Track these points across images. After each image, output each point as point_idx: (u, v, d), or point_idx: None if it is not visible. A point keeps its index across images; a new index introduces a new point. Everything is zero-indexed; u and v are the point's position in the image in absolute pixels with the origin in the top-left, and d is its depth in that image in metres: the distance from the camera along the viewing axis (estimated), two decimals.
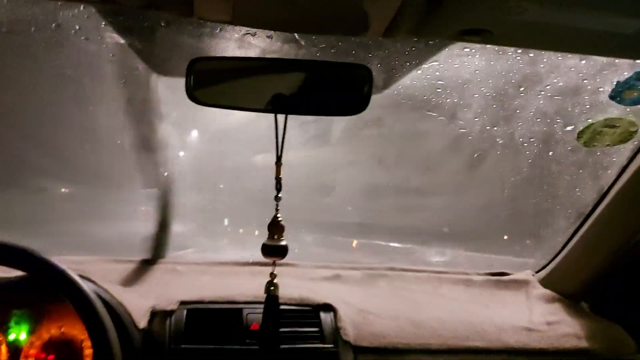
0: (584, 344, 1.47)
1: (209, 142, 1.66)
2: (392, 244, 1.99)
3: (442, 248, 1.99)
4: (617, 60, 1.19)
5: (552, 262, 1.74)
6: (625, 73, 1.17)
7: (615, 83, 1.20)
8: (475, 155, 1.73)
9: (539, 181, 1.82)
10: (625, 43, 0.94)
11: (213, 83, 1.11)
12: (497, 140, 1.68)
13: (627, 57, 1.01)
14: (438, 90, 1.46)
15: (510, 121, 1.61)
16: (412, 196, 1.89)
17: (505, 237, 2.00)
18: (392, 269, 1.79)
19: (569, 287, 1.69)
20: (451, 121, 1.61)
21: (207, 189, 1.82)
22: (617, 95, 1.22)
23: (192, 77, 1.05)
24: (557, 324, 1.53)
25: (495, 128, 1.62)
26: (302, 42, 1.21)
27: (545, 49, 1.00)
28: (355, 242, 1.97)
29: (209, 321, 1.37)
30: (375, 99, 1.06)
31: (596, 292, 1.66)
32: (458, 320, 1.50)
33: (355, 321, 1.43)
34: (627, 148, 1.38)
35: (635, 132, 1.31)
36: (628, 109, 1.27)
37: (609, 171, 1.47)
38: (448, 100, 1.53)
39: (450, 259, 2.00)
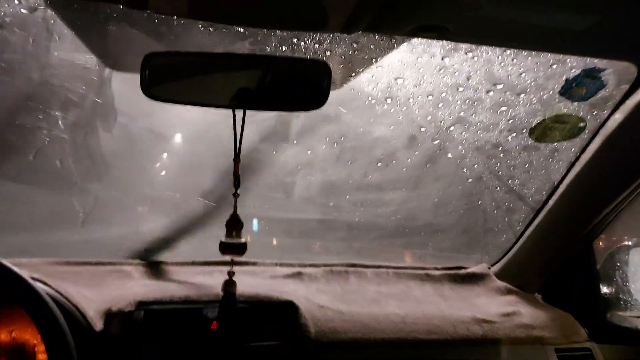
0: (538, 333, 1.52)
1: (163, 138, 1.63)
2: (351, 241, 2.00)
3: (401, 244, 2.02)
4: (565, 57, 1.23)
5: (507, 256, 1.79)
6: (573, 70, 1.22)
7: (564, 80, 1.24)
8: (431, 152, 1.76)
9: (493, 177, 1.87)
10: (575, 40, 0.98)
11: (169, 78, 1.08)
12: (453, 137, 1.71)
13: (577, 54, 1.05)
14: (396, 86, 1.48)
15: (466, 118, 1.64)
16: (370, 193, 1.91)
17: (462, 232, 2.04)
18: (352, 265, 1.80)
19: (523, 279, 1.74)
20: (408, 117, 1.63)
21: (163, 187, 1.79)
22: (567, 92, 1.26)
23: (147, 73, 1.03)
24: (512, 315, 1.57)
25: (450, 126, 1.65)
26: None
27: (499, 45, 1.03)
28: (316, 244, 1.97)
29: (168, 321, 1.34)
30: (334, 94, 1.06)
31: (548, 283, 1.71)
32: (417, 314, 1.52)
33: (316, 317, 1.43)
34: (576, 144, 1.43)
35: (584, 127, 1.36)
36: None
37: (559, 167, 1.52)
38: (405, 96, 1.55)
39: (409, 255, 2.03)
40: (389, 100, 1.56)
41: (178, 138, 1.71)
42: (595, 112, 1.34)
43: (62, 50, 1.29)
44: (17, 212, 1.83)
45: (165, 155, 1.69)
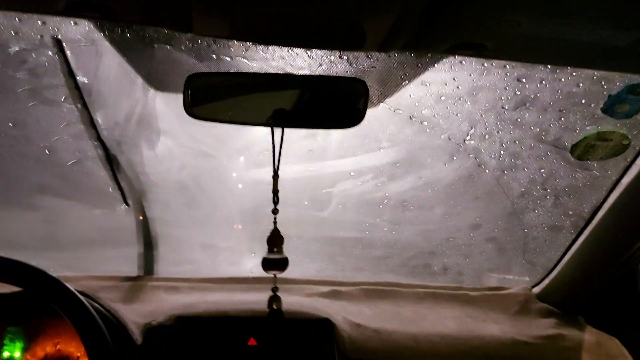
0: (580, 357, 1.47)
1: (203, 156, 1.67)
2: (390, 259, 1.99)
3: (439, 263, 1.99)
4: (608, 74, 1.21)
5: (548, 277, 1.75)
6: (618, 84, 1.19)
7: (607, 96, 1.22)
8: (470, 169, 1.74)
9: (536, 195, 1.84)
10: (617, 56, 0.96)
11: (210, 98, 1.12)
12: (495, 155, 1.69)
13: (619, 71, 1.03)
14: (436, 102, 1.48)
15: (507, 136, 1.62)
16: (409, 211, 1.90)
17: (502, 252, 2.01)
18: (390, 284, 1.79)
19: (566, 300, 1.69)
20: (449, 134, 1.62)
21: (204, 205, 1.82)
22: (609, 108, 1.24)
23: (189, 93, 1.07)
24: (554, 337, 1.53)
25: (493, 142, 1.64)
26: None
27: (539, 62, 1.02)
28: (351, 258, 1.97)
29: (206, 336, 1.36)
30: (371, 111, 1.07)
31: (592, 305, 1.66)
32: (456, 335, 1.49)
33: (352, 336, 1.43)
34: (622, 161, 1.39)
35: (628, 144, 1.33)
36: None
37: (604, 184, 1.49)
38: (446, 113, 1.54)
39: (449, 274, 2.00)
40: (426, 117, 1.56)
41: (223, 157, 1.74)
42: None
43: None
44: (64, 228, 1.90)
45: (209, 174, 1.73)
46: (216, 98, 1.12)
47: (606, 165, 1.49)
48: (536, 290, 1.79)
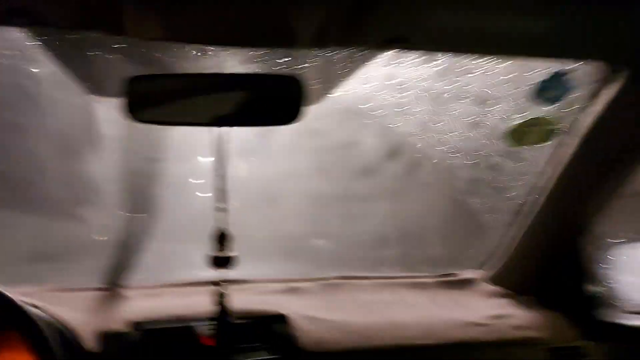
0: (528, 334, 1.54)
1: (149, 161, 1.66)
2: (345, 252, 2.02)
3: (392, 254, 2.04)
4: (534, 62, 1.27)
5: (497, 260, 1.81)
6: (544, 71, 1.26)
7: (533, 84, 1.28)
8: (416, 159, 1.79)
9: (481, 183, 1.91)
10: (536, 43, 1.02)
11: (151, 101, 1.12)
12: (436, 144, 1.75)
13: (540, 57, 1.09)
14: (373, 97, 1.52)
15: (447, 126, 1.68)
16: (357, 203, 1.93)
17: (452, 239, 2.07)
18: (345, 277, 1.82)
19: (514, 281, 1.76)
20: (388, 127, 1.67)
21: (154, 210, 1.81)
22: (537, 96, 1.30)
23: (129, 96, 1.07)
24: (503, 317, 1.59)
25: (432, 133, 1.69)
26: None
27: (463, 53, 1.07)
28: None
29: (161, 340, 1.36)
30: (311, 108, 1.10)
31: (540, 285, 1.73)
32: (409, 320, 1.54)
33: (308, 329, 1.45)
34: (557, 144, 1.46)
35: (557, 129, 1.40)
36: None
37: (544, 168, 1.55)
38: (383, 107, 1.58)
39: (401, 264, 2.05)
40: (368, 111, 1.59)
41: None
42: (570, 112, 1.38)
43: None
44: (18, 240, 1.85)
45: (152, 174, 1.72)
46: (156, 100, 1.13)
47: (543, 150, 1.55)
48: (486, 273, 1.85)
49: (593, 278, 1.66)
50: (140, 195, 1.65)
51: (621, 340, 1.54)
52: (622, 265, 1.68)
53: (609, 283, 1.67)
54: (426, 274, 1.88)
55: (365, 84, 1.50)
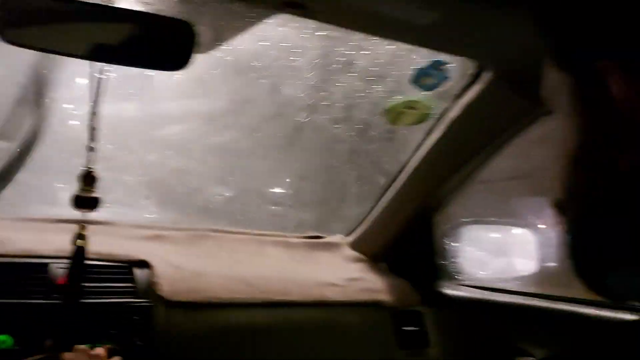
0: (376, 297, 1.69)
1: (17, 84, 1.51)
2: (217, 206, 2.03)
3: (264, 212, 2.09)
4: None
5: (360, 227, 1.94)
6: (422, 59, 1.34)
7: (414, 69, 1.37)
8: (294, 124, 1.83)
9: (358, 154, 2.01)
10: (421, 33, 1.09)
11: (27, 22, 1.03)
12: (320, 112, 1.80)
13: (423, 46, 1.16)
14: (265, 56, 1.52)
15: (333, 97, 1.74)
16: (236, 159, 1.94)
17: (323, 204, 2.16)
18: (214, 230, 1.84)
19: (372, 249, 1.89)
20: (275, 89, 1.68)
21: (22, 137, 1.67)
22: (416, 80, 1.39)
23: (3, 15, 0.97)
24: (356, 280, 1.72)
25: (317, 100, 1.74)
26: None
27: (355, 30, 1.10)
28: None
29: (12, 275, 1.28)
30: (200, 58, 1.08)
31: (394, 254, 1.88)
32: (271, 277, 1.60)
33: (171, 277, 1.45)
34: (424, 128, 1.58)
35: (430, 114, 1.52)
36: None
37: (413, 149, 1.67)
38: (274, 68, 1.59)
39: (272, 223, 2.11)
40: (255, 69, 1.59)
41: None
42: (442, 101, 1.49)
43: None
44: None
45: None
46: (33, 22, 1.04)
47: (412, 130, 1.67)
48: (349, 239, 1.97)
49: (440, 252, 1.84)
50: (10, 122, 1.51)
51: (454, 306, 1.74)
52: (464, 243, 1.88)
53: (452, 258, 1.86)
54: (294, 234, 1.96)
55: (260, 41, 1.49)
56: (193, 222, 1.81)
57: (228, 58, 1.54)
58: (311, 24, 1.32)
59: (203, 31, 1.27)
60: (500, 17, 1.00)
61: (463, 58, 1.31)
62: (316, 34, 1.39)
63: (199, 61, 1.06)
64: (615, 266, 0.54)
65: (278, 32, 1.42)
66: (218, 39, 1.28)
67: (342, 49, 1.45)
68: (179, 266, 1.51)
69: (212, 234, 1.82)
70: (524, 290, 1.60)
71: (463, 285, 1.81)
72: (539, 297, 1.48)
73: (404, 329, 1.67)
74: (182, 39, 1.02)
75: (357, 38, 1.35)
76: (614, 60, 0.47)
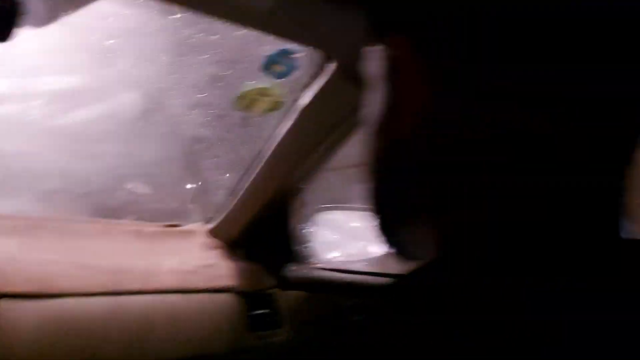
0: (231, 282, 1.71)
1: None
2: (63, 194, 1.90)
3: (117, 200, 2.00)
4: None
5: (219, 215, 1.94)
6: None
7: (264, 56, 1.39)
8: (152, 109, 1.78)
9: (216, 140, 1.99)
10: (264, 19, 1.10)
11: None
12: (174, 97, 1.76)
13: (266, 33, 1.18)
14: (107, 34, 1.45)
15: (185, 81, 1.70)
16: (87, 143, 1.83)
17: (183, 191, 2.13)
18: (60, 219, 1.73)
19: (230, 236, 1.90)
20: (129, 69, 1.61)
21: None
22: (266, 68, 1.41)
23: None
24: (212, 267, 1.73)
25: (170, 84, 1.70)
26: None
27: (199, 11, 1.08)
28: None
29: None
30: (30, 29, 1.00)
31: (250, 240, 1.91)
32: (114, 266, 1.55)
33: (4, 269, 1.35)
34: (277, 116, 1.61)
35: (282, 102, 1.55)
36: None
37: (269, 136, 1.70)
38: (123, 47, 1.52)
39: (128, 211, 2.03)
40: (104, 49, 1.52)
41: None
42: (293, 90, 1.53)
43: None
44: None
45: None
46: None
47: (271, 119, 1.70)
48: (208, 226, 1.96)
49: (295, 237, 1.90)
50: None
51: (304, 288, 1.81)
52: (319, 227, 1.96)
53: (307, 242, 1.93)
54: (150, 224, 1.90)
55: (102, 19, 1.41)
56: (35, 210, 1.68)
57: (69, 35, 1.44)
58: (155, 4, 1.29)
59: (33, 3, 1.18)
60: (337, 5, 1.05)
61: (311, 48, 1.34)
62: (162, 15, 1.35)
63: (36, 35, 0.99)
64: (402, 225, 0.61)
65: (116, 9, 1.35)
66: (53, 14, 1.19)
67: (189, 30, 1.43)
68: (12, 257, 1.40)
69: (55, 223, 1.71)
70: (368, 270, 1.71)
71: (315, 268, 1.88)
72: (376, 275, 1.60)
73: (254, 313, 1.70)
74: (4, 11, 0.94)
75: (204, 20, 1.33)
76: (401, 35, 0.52)
